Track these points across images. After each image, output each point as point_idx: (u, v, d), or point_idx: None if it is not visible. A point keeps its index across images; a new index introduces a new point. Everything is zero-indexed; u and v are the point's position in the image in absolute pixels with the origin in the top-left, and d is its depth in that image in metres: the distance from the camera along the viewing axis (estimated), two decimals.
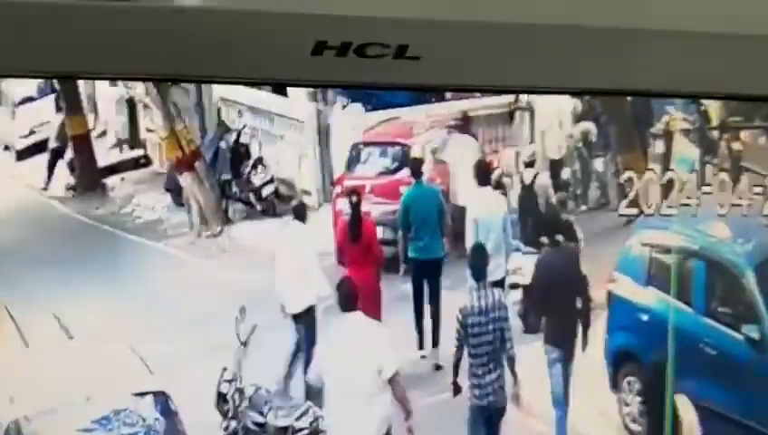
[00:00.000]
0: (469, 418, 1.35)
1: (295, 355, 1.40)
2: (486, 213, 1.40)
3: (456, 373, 1.36)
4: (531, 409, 1.46)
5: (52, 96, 1.49)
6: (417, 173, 1.45)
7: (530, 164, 1.49)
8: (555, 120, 1.57)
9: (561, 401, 1.45)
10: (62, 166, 1.53)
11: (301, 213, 1.45)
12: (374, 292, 1.46)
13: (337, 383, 1.34)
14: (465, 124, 1.53)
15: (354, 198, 1.49)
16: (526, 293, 1.51)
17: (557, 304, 1.47)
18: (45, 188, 1.50)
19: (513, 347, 1.36)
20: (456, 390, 1.37)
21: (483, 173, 1.43)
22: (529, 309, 1.51)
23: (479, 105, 1.52)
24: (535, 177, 1.47)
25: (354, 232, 1.49)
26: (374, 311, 1.43)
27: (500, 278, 1.43)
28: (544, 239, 1.44)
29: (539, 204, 1.45)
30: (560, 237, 1.46)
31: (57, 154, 1.53)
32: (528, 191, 1.46)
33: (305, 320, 1.42)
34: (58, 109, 1.50)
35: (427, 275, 1.46)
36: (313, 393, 1.37)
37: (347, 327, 1.36)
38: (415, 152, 1.54)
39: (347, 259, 1.47)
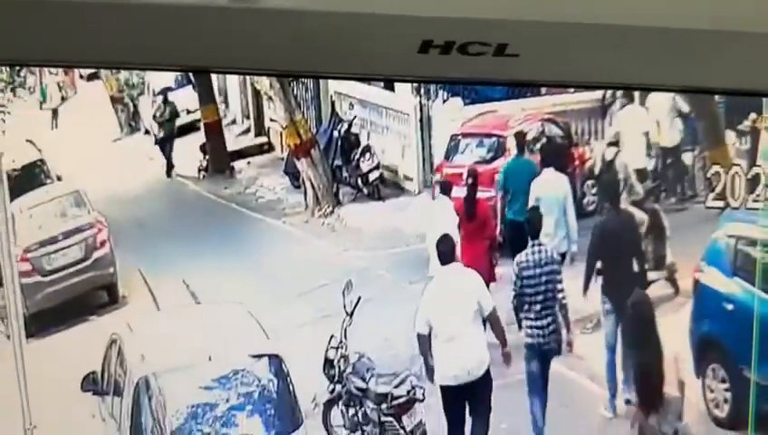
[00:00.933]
0: (526, 354, 1.48)
1: None
2: (546, 192, 1.51)
3: (517, 316, 1.47)
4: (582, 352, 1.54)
5: (189, 87, 1.61)
6: (519, 147, 1.55)
7: (613, 144, 1.56)
8: (648, 116, 1.62)
9: (612, 347, 1.52)
10: (194, 149, 1.67)
11: (446, 189, 1.55)
12: (485, 263, 1.55)
13: (442, 327, 1.44)
14: (558, 117, 1.59)
15: (470, 180, 1.56)
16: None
17: (613, 263, 1.54)
18: (169, 175, 1.63)
19: (564, 297, 1.45)
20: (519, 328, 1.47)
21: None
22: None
23: (572, 100, 1.58)
24: (616, 155, 1.54)
25: (470, 211, 1.58)
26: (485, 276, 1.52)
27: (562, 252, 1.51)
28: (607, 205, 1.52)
29: (618, 180, 1.52)
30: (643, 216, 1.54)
31: (166, 140, 1.64)
32: (609, 166, 1.53)
33: None
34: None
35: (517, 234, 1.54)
36: (422, 341, 1.45)
37: (447, 277, 1.47)
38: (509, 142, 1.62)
39: (463, 234, 1.55)
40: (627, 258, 1.52)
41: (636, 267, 1.51)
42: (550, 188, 1.49)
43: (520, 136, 1.55)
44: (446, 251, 1.45)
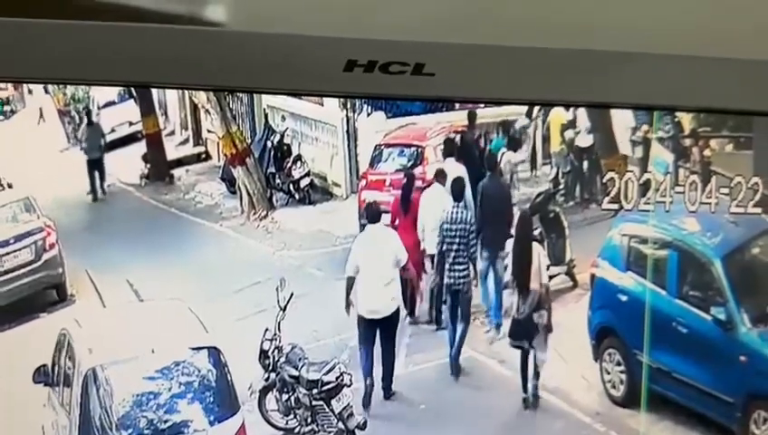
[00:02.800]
0: (446, 293, 1.73)
1: None
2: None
3: (440, 265, 1.70)
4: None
5: (131, 101, 1.66)
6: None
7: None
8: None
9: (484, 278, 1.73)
10: (137, 158, 1.70)
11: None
12: (417, 252, 1.71)
13: (367, 272, 1.65)
14: (469, 129, 1.70)
15: (406, 180, 1.71)
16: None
17: (491, 221, 1.72)
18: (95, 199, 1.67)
19: (475, 251, 1.69)
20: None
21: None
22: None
23: (485, 114, 1.69)
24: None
25: (405, 205, 1.71)
26: (417, 265, 1.71)
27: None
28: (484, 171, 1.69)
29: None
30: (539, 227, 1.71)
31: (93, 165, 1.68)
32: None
33: None
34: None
35: None
36: (349, 282, 1.64)
37: (373, 232, 1.66)
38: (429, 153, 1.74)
39: (399, 226, 1.70)
40: (501, 218, 1.71)
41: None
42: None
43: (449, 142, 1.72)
44: (372, 214, 1.66)
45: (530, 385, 1.68)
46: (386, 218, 1.66)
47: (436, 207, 1.69)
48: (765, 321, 1.68)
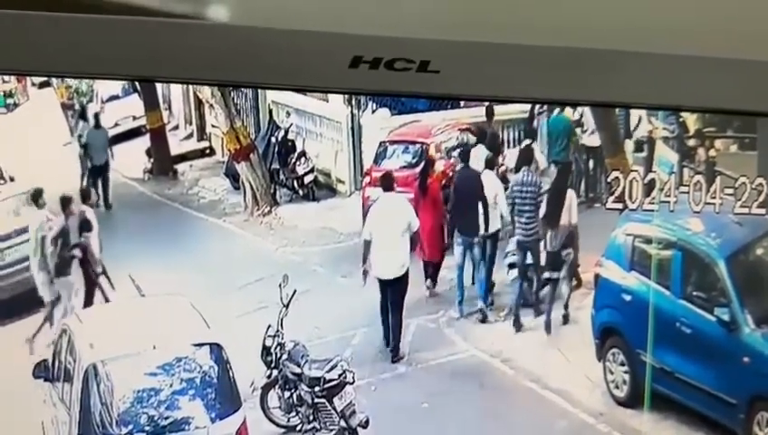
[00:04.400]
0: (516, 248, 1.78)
1: None
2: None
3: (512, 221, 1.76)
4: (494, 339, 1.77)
5: (135, 95, 1.66)
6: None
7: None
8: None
9: (461, 267, 1.79)
10: (140, 153, 1.71)
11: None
12: (436, 232, 1.76)
13: (379, 237, 1.68)
14: (476, 128, 1.72)
15: (424, 163, 1.75)
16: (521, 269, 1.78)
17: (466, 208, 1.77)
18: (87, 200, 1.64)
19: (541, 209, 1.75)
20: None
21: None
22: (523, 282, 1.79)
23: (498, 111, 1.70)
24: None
25: (423, 185, 1.73)
26: (437, 249, 1.77)
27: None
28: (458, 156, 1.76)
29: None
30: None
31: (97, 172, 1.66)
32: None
33: None
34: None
35: None
36: (366, 245, 1.68)
37: (387, 200, 1.70)
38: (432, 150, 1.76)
39: (420, 206, 1.73)
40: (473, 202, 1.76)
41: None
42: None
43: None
44: (387, 183, 1.70)
45: (553, 314, 1.75)
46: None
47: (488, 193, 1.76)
48: None
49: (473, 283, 1.77)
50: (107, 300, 1.63)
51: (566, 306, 1.75)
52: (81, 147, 1.65)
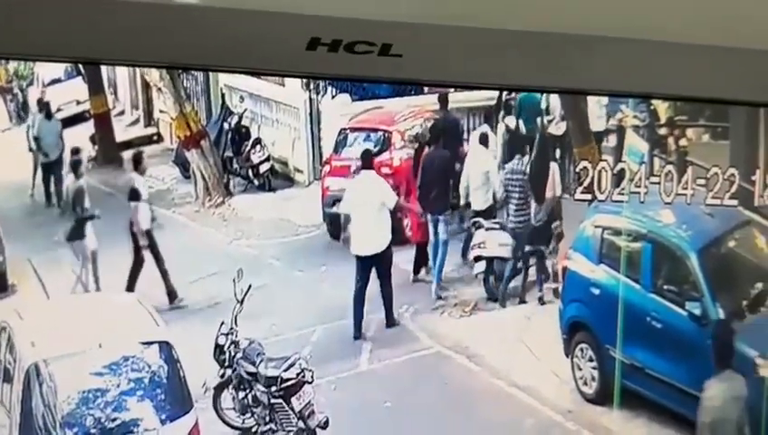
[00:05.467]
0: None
1: None
2: None
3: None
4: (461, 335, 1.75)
5: (79, 78, 1.58)
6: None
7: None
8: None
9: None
10: (84, 139, 1.65)
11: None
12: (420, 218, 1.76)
13: (358, 213, 1.68)
14: (441, 113, 1.68)
15: (416, 145, 1.74)
16: (488, 262, 1.76)
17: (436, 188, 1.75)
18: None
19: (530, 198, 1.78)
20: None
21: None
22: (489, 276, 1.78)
23: (458, 98, 1.67)
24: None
25: (415, 169, 1.72)
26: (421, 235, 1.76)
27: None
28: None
29: None
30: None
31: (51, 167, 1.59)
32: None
33: None
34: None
35: None
36: (346, 219, 1.68)
37: (365, 178, 1.68)
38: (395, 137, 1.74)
39: (410, 191, 1.72)
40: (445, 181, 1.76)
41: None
42: None
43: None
44: (365, 160, 1.70)
45: (544, 286, 1.76)
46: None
47: (478, 169, 1.76)
48: (741, 316, 1.67)
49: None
50: (49, 296, 1.56)
51: (541, 288, 1.76)
52: (33, 140, 1.58)
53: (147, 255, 1.59)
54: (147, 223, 1.59)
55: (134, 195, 1.59)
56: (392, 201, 1.69)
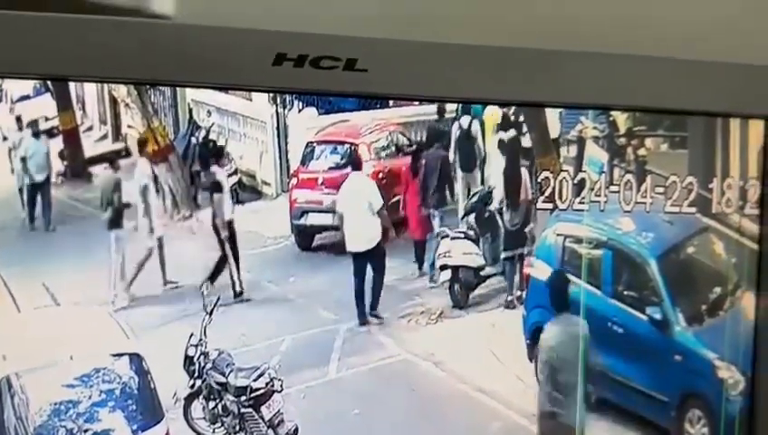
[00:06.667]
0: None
1: None
2: None
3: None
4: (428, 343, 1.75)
5: (47, 95, 1.56)
6: None
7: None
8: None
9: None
10: (53, 155, 1.63)
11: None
12: (420, 216, 1.76)
13: (349, 213, 1.70)
14: (404, 127, 1.69)
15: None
16: (453, 271, 1.76)
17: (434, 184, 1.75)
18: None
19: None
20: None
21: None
22: (454, 284, 1.79)
23: (418, 112, 1.68)
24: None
25: (414, 169, 1.72)
26: (420, 232, 1.76)
27: None
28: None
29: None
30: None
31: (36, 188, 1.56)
32: None
33: None
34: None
35: None
36: (338, 217, 1.69)
37: (354, 179, 1.71)
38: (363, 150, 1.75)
39: (409, 191, 1.73)
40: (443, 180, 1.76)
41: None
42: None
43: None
44: (353, 162, 1.73)
45: (516, 292, 1.76)
46: (368, 169, 1.73)
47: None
48: (700, 320, 1.72)
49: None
50: (19, 310, 1.56)
51: (510, 294, 1.77)
52: (20, 161, 1.57)
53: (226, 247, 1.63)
54: (229, 214, 1.63)
55: (217, 187, 1.63)
56: (378, 204, 1.71)
